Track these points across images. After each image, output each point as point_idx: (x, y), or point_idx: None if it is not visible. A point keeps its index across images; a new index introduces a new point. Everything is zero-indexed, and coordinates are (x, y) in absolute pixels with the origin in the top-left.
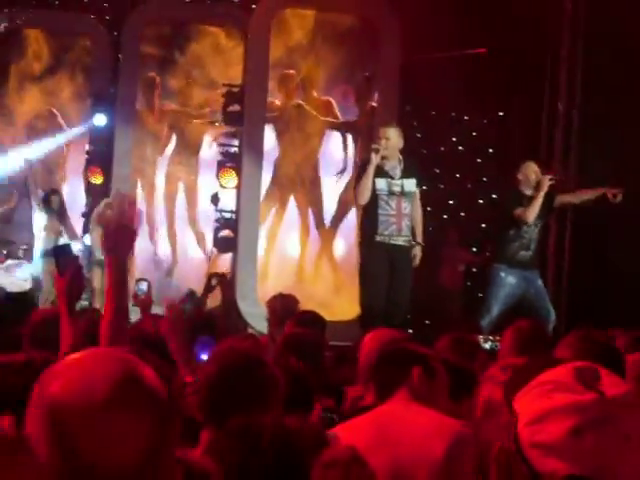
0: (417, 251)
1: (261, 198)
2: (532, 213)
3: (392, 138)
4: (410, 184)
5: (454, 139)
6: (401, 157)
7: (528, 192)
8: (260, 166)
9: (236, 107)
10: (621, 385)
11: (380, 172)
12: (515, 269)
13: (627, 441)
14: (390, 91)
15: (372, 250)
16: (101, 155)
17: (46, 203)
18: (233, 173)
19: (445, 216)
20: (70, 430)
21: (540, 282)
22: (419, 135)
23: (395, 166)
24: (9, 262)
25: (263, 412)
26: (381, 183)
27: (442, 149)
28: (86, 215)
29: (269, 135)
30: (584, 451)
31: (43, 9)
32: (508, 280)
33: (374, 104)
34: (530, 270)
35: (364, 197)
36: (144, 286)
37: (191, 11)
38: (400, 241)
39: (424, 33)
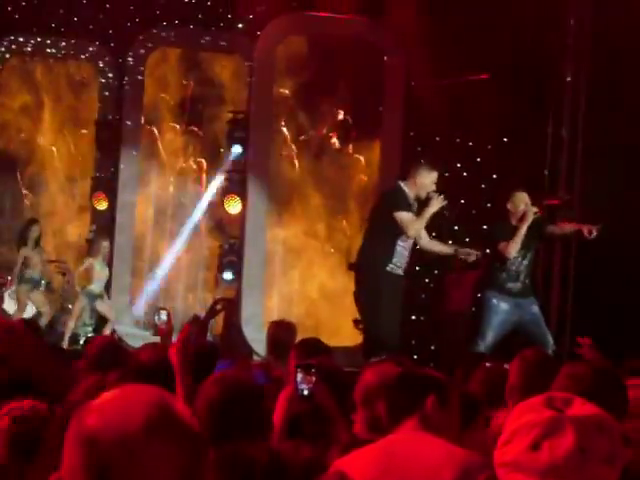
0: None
1: (265, 225)
2: (513, 247)
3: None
4: None
5: (458, 165)
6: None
7: (515, 223)
8: (265, 192)
9: (241, 134)
10: (591, 409)
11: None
12: (506, 297)
13: (583, 454)
14: (395, 117)
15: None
16: (106, 181)
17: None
18: (238, 199)
19: (450, 242)
20: (105, 462)
21: (536, 308)
22: (423, 161)
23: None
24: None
25: (260, 440)
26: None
27: (446, 175)
28: (91, 241)
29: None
30: (542, 464)
31: (49, 36)
32: (501, 307)
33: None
34: (523, 298)
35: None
36: (164, 315)
37: (195, 38)
38: (400, 271)
39: (428, 60)
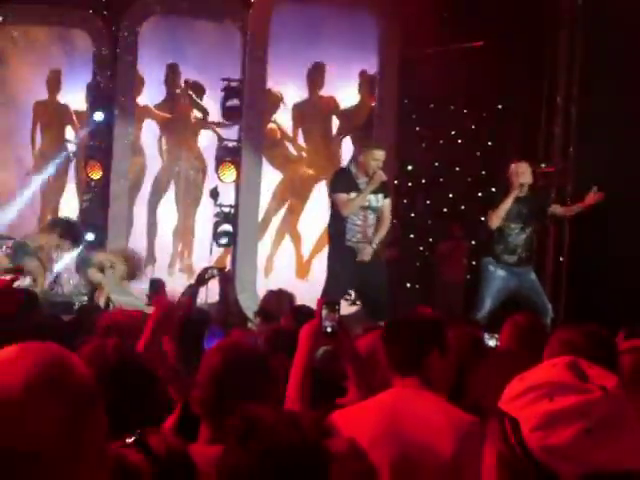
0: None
1: (260, 193)
2: (495, 218)
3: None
4: (375, 199)
5: (453, 132)
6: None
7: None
8: (260, 161)
9: (235, 102)
10: (610, 376)
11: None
12: (503, 265)
13: (633, 433)
14: (389, 85)
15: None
16: (100, 150)
17: None
18: (232, 168)
19: (445, 209)
20: None
21: (533, 276)
22: (418, 128)
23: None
24: None
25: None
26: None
27: (441, 142)
28: (84, 212)
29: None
30: (598, 449)
31: (41, 3)
32: (498, 273)
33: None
34: (519, 267)
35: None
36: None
37: (189, 5)
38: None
39: (423, 27)
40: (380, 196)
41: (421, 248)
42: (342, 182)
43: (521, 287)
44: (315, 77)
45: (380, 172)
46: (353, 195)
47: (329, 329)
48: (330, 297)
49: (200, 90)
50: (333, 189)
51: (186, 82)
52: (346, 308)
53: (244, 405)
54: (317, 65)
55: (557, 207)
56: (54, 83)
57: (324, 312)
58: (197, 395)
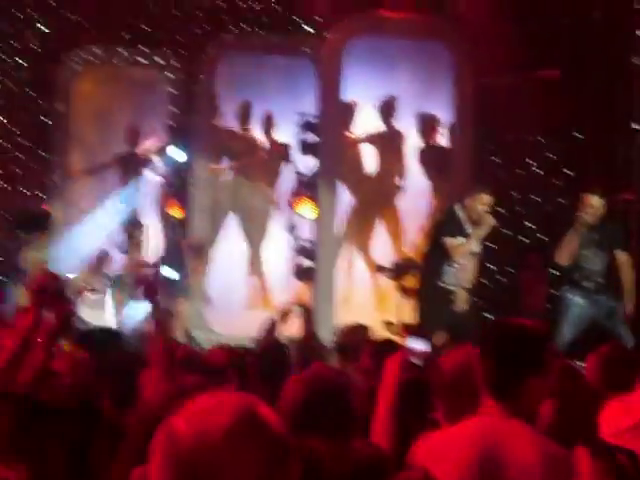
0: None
1: (337, 227)
2: (564, 255)
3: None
4: (476, 245)
5: (531, 162)
6: None
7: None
8: (336, 195)
9: (311, 136)
10: None
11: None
12: (582, 292)
13: None
14: (465, 116)
15: None
16: (179, 188)
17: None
18: (309, 202)
19: (523, 239)
20: (189, 465)
21: (613, 304)
22: (495, 159)
23: None
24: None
25: (344, 441)
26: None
27: (519, 172)
28: (166, 249)
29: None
30: None
31: (118, 45)
32: (575, 301)
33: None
34: (598, 295)
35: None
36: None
37: (263, 42)
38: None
39: (498, 57)
40: (477, 242)
41: (500, 278)
42: (450, 225)
43: (599, 315)
44: (388, 110)
45: (490, 217)
46: (460, 240)
47: (416, 361)
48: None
49: (275, 125)
50: (441, 232)
51: (267, 117)
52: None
53: (305, 441)
54: (390, 98)
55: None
56: (133, 135)
57: (411, 343)
58: None
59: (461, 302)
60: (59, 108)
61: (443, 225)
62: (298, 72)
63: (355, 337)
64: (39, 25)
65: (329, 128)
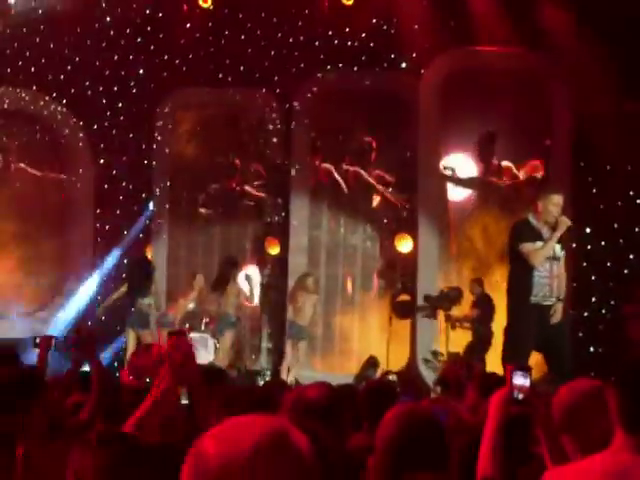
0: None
1: (437, 262)
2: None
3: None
4: (559, 248)
5: (631, 193)
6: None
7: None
8: (435, 230)
9: (409, 173)
10: None
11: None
12: None
13: None
14: (564, 149)
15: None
16: (277, 226)
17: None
18: (409, 237)
19: (626, 271)
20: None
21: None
22: (595, 190)
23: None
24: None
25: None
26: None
27: (619, 204)
28: (264, 287)
29: None
30: None
31: (215, 86)
32: None
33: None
34: None
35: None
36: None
37: (360, 79)
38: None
39: (596, 89)
40: (559, 246)
41: (603, 311)
42: (525, 232)
43: None
44: (488, 146)
45: (564, 217)
46: (539, 244)
47: (520, 396)
48: (520, 363)
49: (372, 160)
50: (518, 240)
51: (365, 153)
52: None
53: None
54: (489, 134)
55: None
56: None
57: (515, 378)
58: (372, 463)
59: (557, 316)
60: (158, 149)
61: (518, 234)
62: (395, 108)
63: (457, 372)
64: (139, 69)
65: (427, 164)
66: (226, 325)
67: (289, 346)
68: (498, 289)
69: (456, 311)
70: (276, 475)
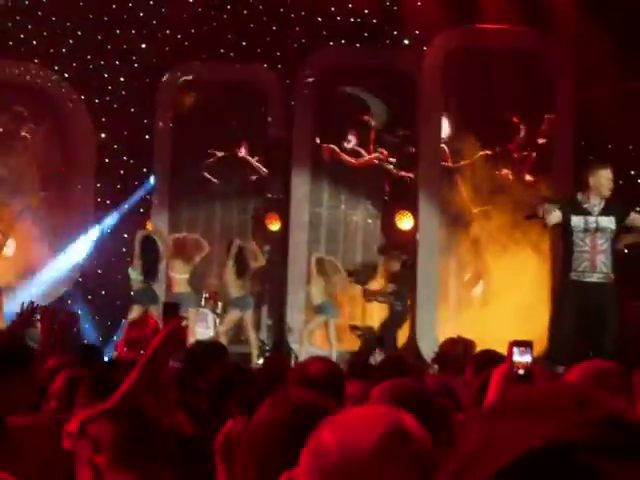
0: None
1: (438, 239)
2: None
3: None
4: (607, 221)
5: (632, 172)
6: (605, 196)
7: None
8: (436, 208)
9: (410, 150)
10: None
11: (578, 209)
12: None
13: None
14: (566, 128)
15: (565, 287)
16: (278, 202)
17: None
18: (409, 215)
19: (626, 251)
20: (333, 474)
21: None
22: (591, 159)
23: (595, 204)
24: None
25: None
26: (577, 220)
27: (620, 183)
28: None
29: None
30: None
31: (217, 61)
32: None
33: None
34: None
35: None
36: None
37: (362, 56)
38: (595, 278)
39: (596, 66)
40: (608, 218)
41: None
42: (570, 205)
43: None
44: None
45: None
46: (585, 218)
47: (521, 372)
48: (521, 339)
49: (373, 137)
50: (565, 214)
51: (366, 130)
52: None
53: None
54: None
55: None
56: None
57: (514, 354)
58: None
59: (600, 293)
60: (160, 124)
61: (565, 207)
62: (397, 85)
63: (456, 350)
64: (142, 44)
65: (428, 140)
66: (236, 303)
67: (315, 323)
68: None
69: (375, 285)
70: (398, 469)
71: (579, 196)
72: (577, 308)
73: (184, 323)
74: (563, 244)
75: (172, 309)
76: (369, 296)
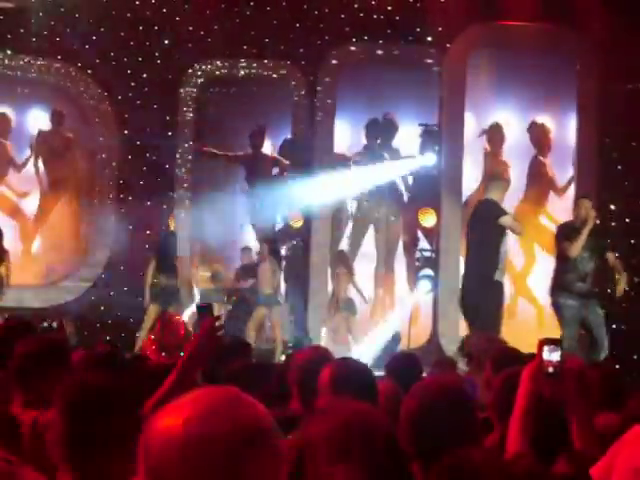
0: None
1: (460, 236)
2: (575, 248)
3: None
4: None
5: None
6: None
7: (577, 226)
8: (460, 204)
9: (433, 147)
10: None
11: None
12: (574, 296)
13: None
14: (589, 123)
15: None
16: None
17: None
18: (432, 212)
19: None
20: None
21: (600, 311)
22: (620, 167)
23: None
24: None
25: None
26: None
27: None
28: (286, 260)
29: None
30: None
31: (240, 57)
32: (568, 303)
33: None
34: (589, 299)
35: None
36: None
37: (385, 53)
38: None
39: (622, 61)
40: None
41: (627, 288)
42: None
43: (587, 318)
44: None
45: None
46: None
47: (551, 370)
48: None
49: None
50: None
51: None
52: None
53: (453, 449)
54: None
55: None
56: (259, 136)
57: (545, 352)
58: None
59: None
60: (183, 120)
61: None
62: (420, 82)
63: (480, 345)
64: (165, 40)
65: (451, 138)
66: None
67: (337, 320)
68: None
69: None
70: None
71: None
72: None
73: (218, 323)
74: None
75: (206, 310)
76: None
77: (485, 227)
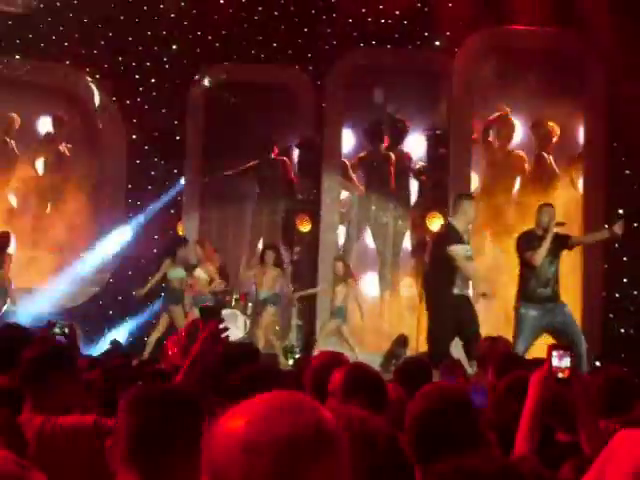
0: None
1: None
2: (539, 256)
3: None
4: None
5: None
6: None
7: (539, 233)
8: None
9: (441, 151)
10: None
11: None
12: (536, 304)
13: None
14: (598, 128)
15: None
16: (309, 203)
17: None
18: (440, 216)
19: None
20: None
21: (567, 311)
22: (628, 172)
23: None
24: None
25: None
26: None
27: None
28: (295, 264)
29: None
30: None
31: (248, 62)
32: (529, 314)
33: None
34: (553, 303)
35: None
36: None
37: (393, 58)
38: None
39: (628, 66)
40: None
41: (635, 292)
42: (452, 236)
43: (554, 323)
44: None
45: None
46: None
47: (560, 375)
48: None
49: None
50: (447, 242)
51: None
52: None
53: (456, 455)
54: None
55: (578, 237)
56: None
57: (555, 358)
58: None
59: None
60: (191, 125)
61: (444, 236)
62: (428, 86)
63: (488, 349)
64: (173, 45)
65: (459, 141)
66: (268, 303)
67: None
68: None
69: None
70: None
71: None
72: None
73: (223, 325)
74: None
75: (212, 312)
76: None
77: (439, 250)
